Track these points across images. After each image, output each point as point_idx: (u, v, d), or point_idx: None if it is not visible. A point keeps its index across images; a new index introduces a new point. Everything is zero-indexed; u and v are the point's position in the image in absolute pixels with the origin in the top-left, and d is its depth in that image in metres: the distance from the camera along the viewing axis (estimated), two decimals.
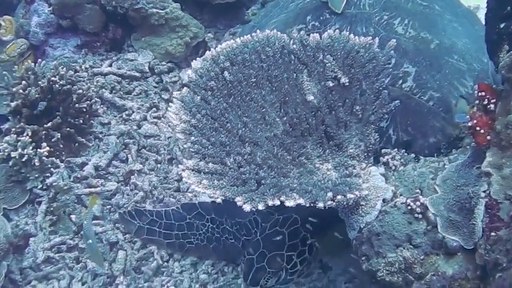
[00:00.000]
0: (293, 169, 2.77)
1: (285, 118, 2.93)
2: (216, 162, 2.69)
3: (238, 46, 3.03)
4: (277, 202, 2.44)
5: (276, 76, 3.02)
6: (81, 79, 4.94)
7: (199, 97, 2.92)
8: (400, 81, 3.26)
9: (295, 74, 3.03)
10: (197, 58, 3.02)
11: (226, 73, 2.96)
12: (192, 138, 2.75)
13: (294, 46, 3.04)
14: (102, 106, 4.92)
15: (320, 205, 2.47)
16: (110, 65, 5.22)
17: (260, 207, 2.41)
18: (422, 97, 3.26)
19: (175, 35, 5.16)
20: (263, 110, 2.94)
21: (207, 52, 3.06)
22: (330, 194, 2.50)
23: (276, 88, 3.01)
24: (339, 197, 2.51)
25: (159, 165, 4.65)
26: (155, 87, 5.14)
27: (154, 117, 4.93)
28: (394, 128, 3.23)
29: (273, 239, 3.24)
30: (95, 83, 4.98)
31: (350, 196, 2.50)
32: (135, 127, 4.79)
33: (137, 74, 5.14)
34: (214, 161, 2.70)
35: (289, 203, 2.43)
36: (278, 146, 2.84)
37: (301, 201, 2.44)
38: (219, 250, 3.86)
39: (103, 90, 4.98)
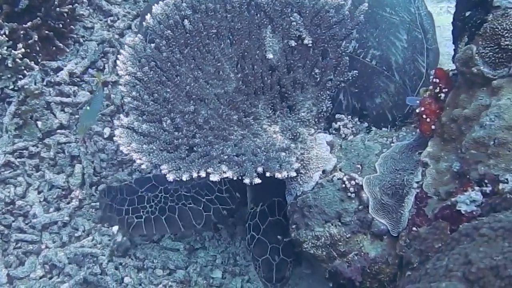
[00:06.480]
0: (237, 130, 2.77)
1: (239, 75, 2.89)
2: (153, 121, 2.67)
3: None
4: (203, 175, 2.45)
5: (239, 29, 2.94)
6: None
7: (152, 45, 2.86)
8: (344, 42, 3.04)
9: (258, 29, 2.95)
10: (159, 2, 2.91)
11: (186, 22, 2.89)
12: (134, 93, 2.72)
13: None
14: (88, 8, 4.78)
15: (247, 180, 2.48)
16: None
17: (184, 178, 2.42)
18: (365, 57, 3.20)
19: None
20: (218, 64, 2.89)
21: None
22: (260, 169, 2.50)
23: (236, 41, 2.95)
24: (267, 174, 2.52)
25: None
26: None
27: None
28: (344, 93, 3.16)
29: (274, 230, 3.12)
30: None
31: (278, 175, 2.51)
32: (117, 36, 4.68)
33: None
34: (151, 120, 2.67)
35: (214, 178, 2.44)
36: (226, 105, 2.82)
37: (228, 174, 2.46)
38: (173, 220, 3.60)
39: None
